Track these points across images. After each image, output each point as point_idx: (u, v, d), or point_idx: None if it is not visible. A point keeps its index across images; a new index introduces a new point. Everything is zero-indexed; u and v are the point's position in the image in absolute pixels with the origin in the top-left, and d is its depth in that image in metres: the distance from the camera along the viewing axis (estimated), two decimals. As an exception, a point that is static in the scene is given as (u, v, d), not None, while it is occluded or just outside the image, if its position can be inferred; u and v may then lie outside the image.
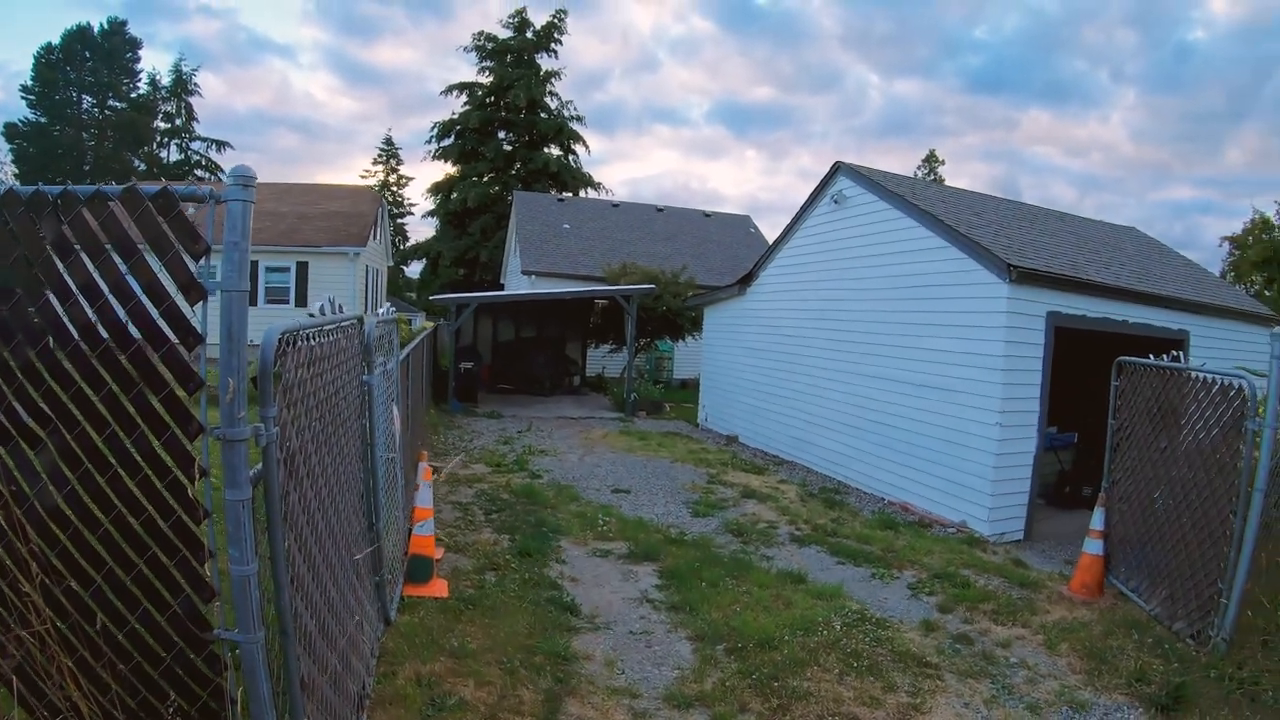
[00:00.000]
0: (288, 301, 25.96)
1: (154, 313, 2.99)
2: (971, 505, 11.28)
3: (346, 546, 4.73)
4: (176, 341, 2.98)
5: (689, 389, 26.34)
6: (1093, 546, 9.04)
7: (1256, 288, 29.08)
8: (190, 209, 3.01)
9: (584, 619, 7.18)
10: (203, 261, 2.99)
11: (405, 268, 66.64)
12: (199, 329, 2.99)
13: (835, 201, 14.48)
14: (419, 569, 7.30)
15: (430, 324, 24.08)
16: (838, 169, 14.64)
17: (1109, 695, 6.47)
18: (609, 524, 10.20)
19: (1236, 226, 47.76)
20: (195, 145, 68.14)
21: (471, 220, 51.33)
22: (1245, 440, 7.05)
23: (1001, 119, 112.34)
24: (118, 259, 3.04)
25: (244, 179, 2.96)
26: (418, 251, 60.29)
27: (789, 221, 16.30)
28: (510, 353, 25.57)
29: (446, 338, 22.21)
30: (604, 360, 28.25)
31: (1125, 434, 9.39)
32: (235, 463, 2.98)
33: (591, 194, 53.63)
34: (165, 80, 66.14)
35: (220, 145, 68.90)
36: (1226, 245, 38.83)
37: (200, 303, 2.98)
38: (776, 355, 16.45)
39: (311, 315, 4.02)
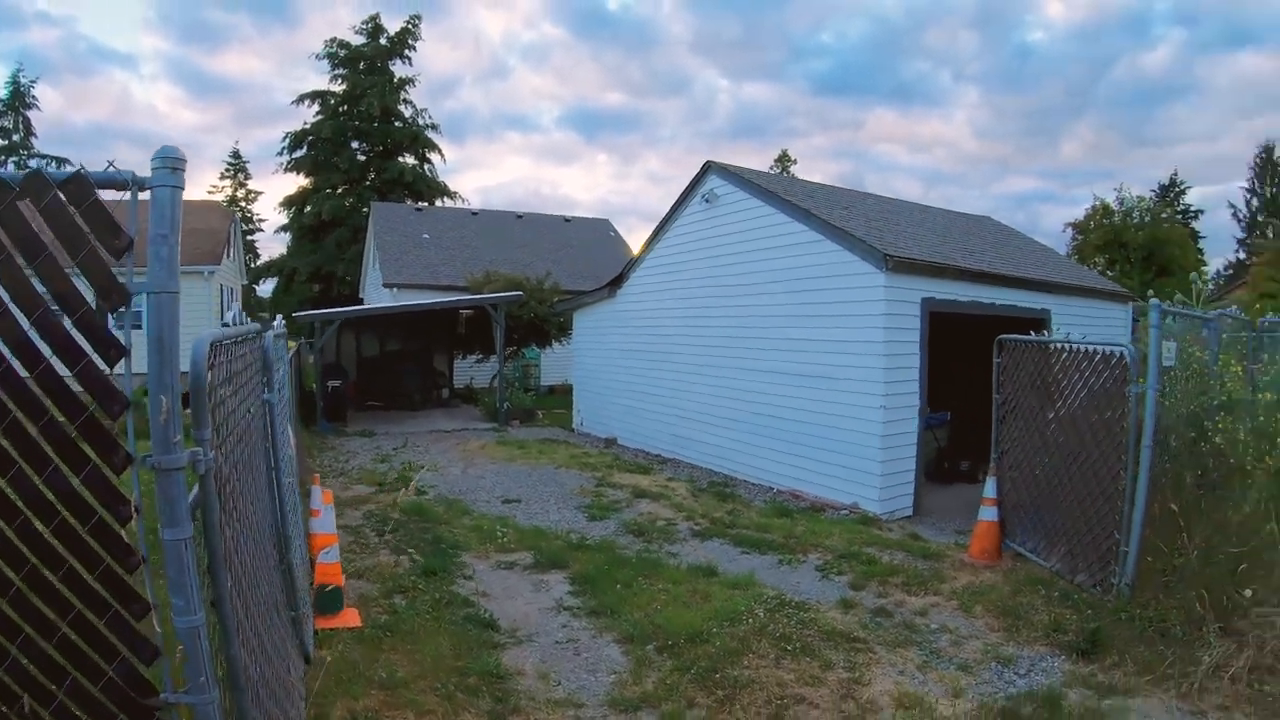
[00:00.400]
0: (139, 326, 24.22)
1: (67, 322, 2.47)
2: (862, 487, 11.35)
3: (269, 582, 4.20)
4: (95, 356, 2.46)
5: (558, 395, 25.92)
6: (988, 513, 9.24)
7: (1099, 268, 30.56)
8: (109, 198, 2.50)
9: (505, 634, 6.76)
10: (124, 261, 2.49)
11: (258, 286, 63.52)
12: (122, 340, 2.48)
13: (707, 201, 14.34)
14: (329, 599, 6.68)
15: (293, 344, 22.90)
16: (708, 169, 14.51)
17: (1031, 647, 6.69)
18: (507, 535, 9.74)
19: (1076, 213, 50.30)
20: (33, 163, 63.38)
21: (326, 234, 48.73)
22: (1129, 403, 7.40)
23: (849, 119, 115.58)
24: (19, 258, 2.49)
25: (172, 161, 2.47)
26: (271, 269, 56.81)
27: (659, 222, 16.10)
28: (377, 368, 24.46)
29: (310, 357, 21.12)
30: (471, 371, 27.43)
31: (1010, 407, 9.58)
32: (173, 495, 2.47)
33: (448, 203, 51.80)
34: (1, 93, 61.23)
35: (60, 162, 64.29)
36: (1070, 231, 40.91)
37: (122, 309, 2.48)
38: (652, 355, 16.23)
39: (225, 325, 3.50)
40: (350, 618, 6.70)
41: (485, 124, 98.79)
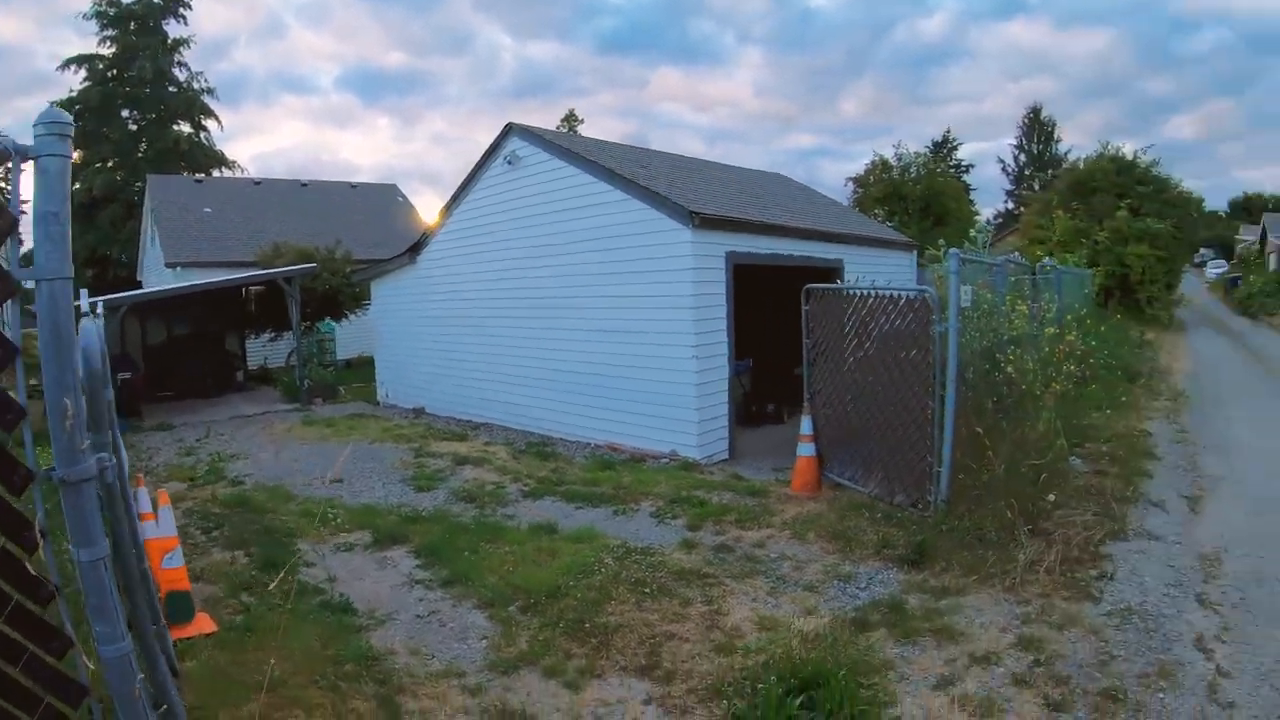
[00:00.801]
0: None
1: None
2: (679, 435, 11.58)
3: (146, 599, 3.83)
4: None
5: (356, 369, 24.89)
6: (806, 449, 9.66)
7: (880, 219, 32.03)
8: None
9: (364, 616, 6.43)
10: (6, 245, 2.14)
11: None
12: (11, 337, 2.13)
13: (509, 163, 14.02)
14: (180, 607, 6.12)
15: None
16: (509, 130, 14.17)
17: (866, 564, 7.16)
18: (339, 516, 9.24)
19: (856, 168, 52.58)
20: None
21: (98, 212, 43.54)
22: (933, 341, 8.00)
23: (634, 78, 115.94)
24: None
25: (60, 127, 2.12)
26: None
27: (459, 186, 15.60)
28: (166, 356, 22.38)
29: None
30: (265, 350, 25.68)
31: (820, 350, 9.99)
32: (85, 510, 2.16)
33: (227, 173, 47.70)
34: None
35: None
36: (851, 185, 42.25)
37: (9, 300, 2.13)
38: (460, 320, 15.82)
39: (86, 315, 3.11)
40: (204, 623, 6.20)
41: (261, 87, 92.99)
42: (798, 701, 4.59)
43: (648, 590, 6.57)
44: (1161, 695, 4.96)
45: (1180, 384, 18.23)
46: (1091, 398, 13.14)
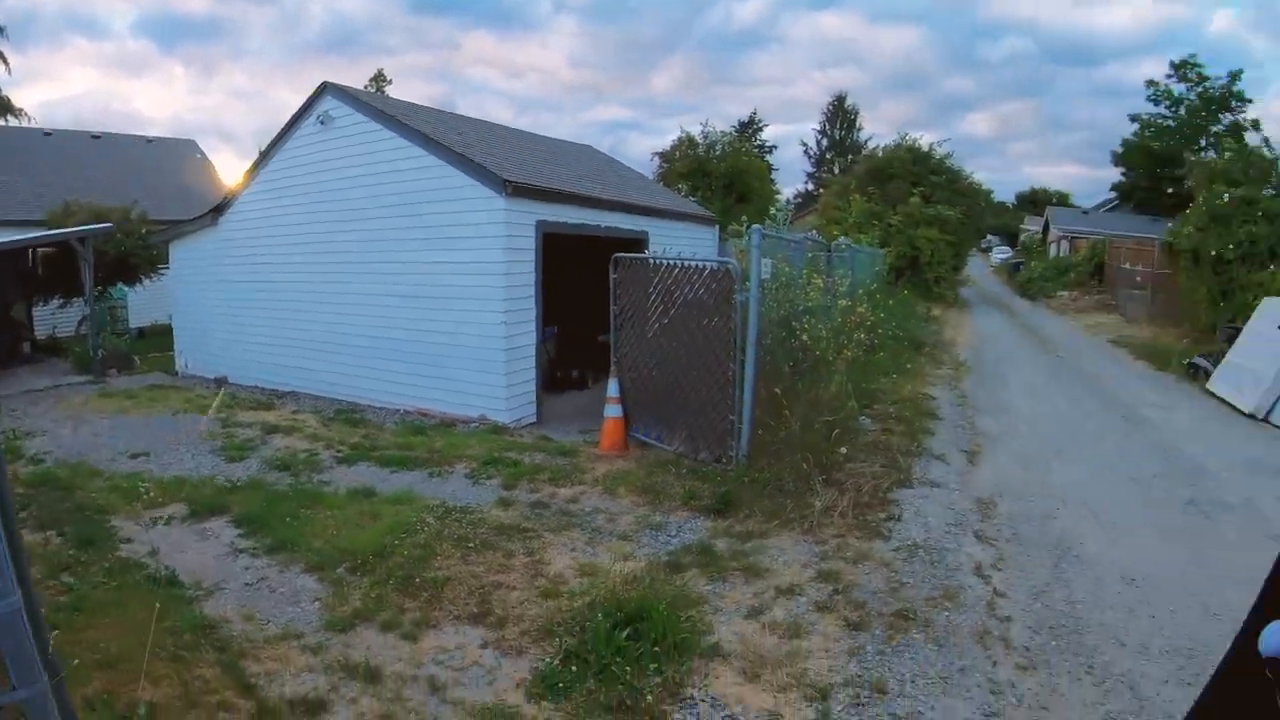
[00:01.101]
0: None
1: None
2: (489, 399, 11.97)
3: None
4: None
5: (150, 337, 23.50)
6: (613, 410, 10.32)
7: (684, 194, 32.82)
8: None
9: (192, 588, 6.45)
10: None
11: None
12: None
13: (322, 123, 13.79)
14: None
15: None
16: (324, 89, 13.93)
17: (675, 514, 7.87)
18: (150, 490, 9.00)
19: (662, 143, 53.40)
20: None
21: None
22: (735, 309, 8.76)
23: (446, 40, 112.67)
24: None
25: None
26: None
27: (267, 144, 15.17)
28: None
29: None
30: (54, 319, 23.78)
31: (627, 316, 10.60)
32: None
33: (12, 122, 43.92)
34: None
35: None
36: (657, 159, 42.91)
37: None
38: (266, 286, 15.42)
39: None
40: (28, 609, 6.07)
41: (50, 27, 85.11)
42: (624, 634, 5.12)
43: (471, 545, 6.96)
44: (947, 613, 5.95)
45: (962, 355, 20.15)
46: (880, 364, 14.49)
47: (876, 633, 5.60)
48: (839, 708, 4.74)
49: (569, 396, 14.08)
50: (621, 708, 4.58)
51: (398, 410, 12.94)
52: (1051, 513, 8.37)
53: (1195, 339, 21.15)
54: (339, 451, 10.51)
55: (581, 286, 14.18)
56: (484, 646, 5.37)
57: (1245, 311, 17.08)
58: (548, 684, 4.83)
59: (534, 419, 12.22)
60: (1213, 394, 15.20)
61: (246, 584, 6.54)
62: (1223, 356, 16.00)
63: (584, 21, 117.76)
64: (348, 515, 7.89)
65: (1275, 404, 12.86)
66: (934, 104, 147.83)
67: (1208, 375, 16.20)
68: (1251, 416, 13.12)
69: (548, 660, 5.10)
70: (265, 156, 15.25)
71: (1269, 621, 2.65)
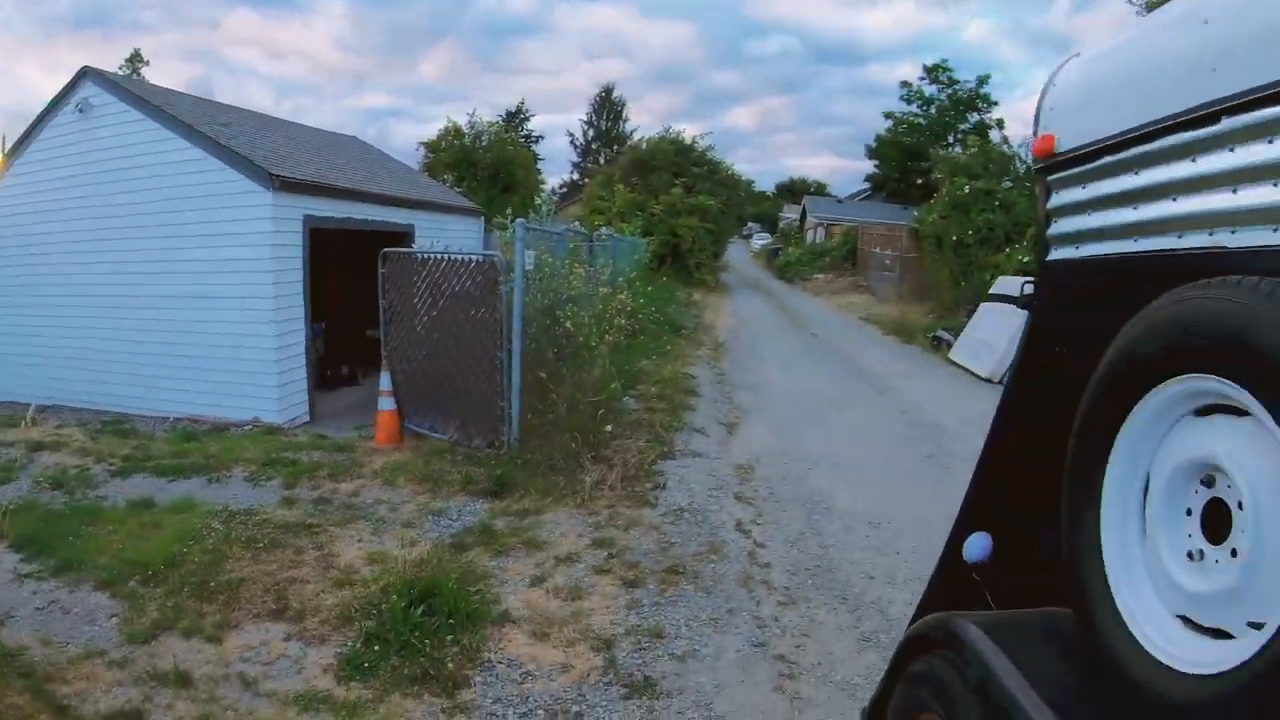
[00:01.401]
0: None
1: None
2: (260, 401, 11.92)
3: None
4: None
5: None
6: (386, 404, 10.67)
7: (449, 184, 32.67)
8: None
9: (-21, 621, 6.40)
10: None
11: None
12: None
13: (81, 111, 12.92)
14: None
15: None
16: (84, 74, 13.07)
17: (455, 499, 8.40)
18: (-93, 520, 8.71)
19: (428, 132, 52.50)
20: None
21: None
22: (500, 299, 9.35)
23: (205, 17, 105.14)
24: None
25: None
26: None
27: (20, 135, 13.97)
28: None
29: None
30: None
31: (396, 310, 10.95)
32: None
33: None
34: None
35: None
36: (422, 149, 42.37)
37: None
38: (16, 291, 14.28)
39: None
40: None
41: None
42: (419, 611, 5.62)
43: (261, 545, 7.18)
44: (713, 565, 6.93)
45: (721, 336, 21.62)
46: (641, 348, 15.54)
47: (651, 588, 6.42)
48: (623, 654, 5.48)
49: (341, 393, 14.23)
50: (426, 677, 5.08)
51: (168, 418, 12.57)
52: (804, 473, 9.59)
53: (939, 315, 23.65)
54: (112, 465, 10.23)
55: (347, 281, 14.33)
56: (287, 639, 5.68)
57: (983, 289, 19.31)
58: (354, 666, 5.23)
59: (308, 418, 12.27)
60: (954, 363, 17.26)
61: (38, 608, 6.44)
62: (963, 329, 18.10)
63: (352, 3, 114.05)
64: (130, 528, 7.83)
65: (1008, 369, 14.79)
66: (700, 97, 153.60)
67: (950, 346, 18.31)
68: (988, 381, 15.13)
69: (350, 644, 5.49)
70: (18, 147, 14.04)
71: (969, 534, 3.59)
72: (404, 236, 14.81)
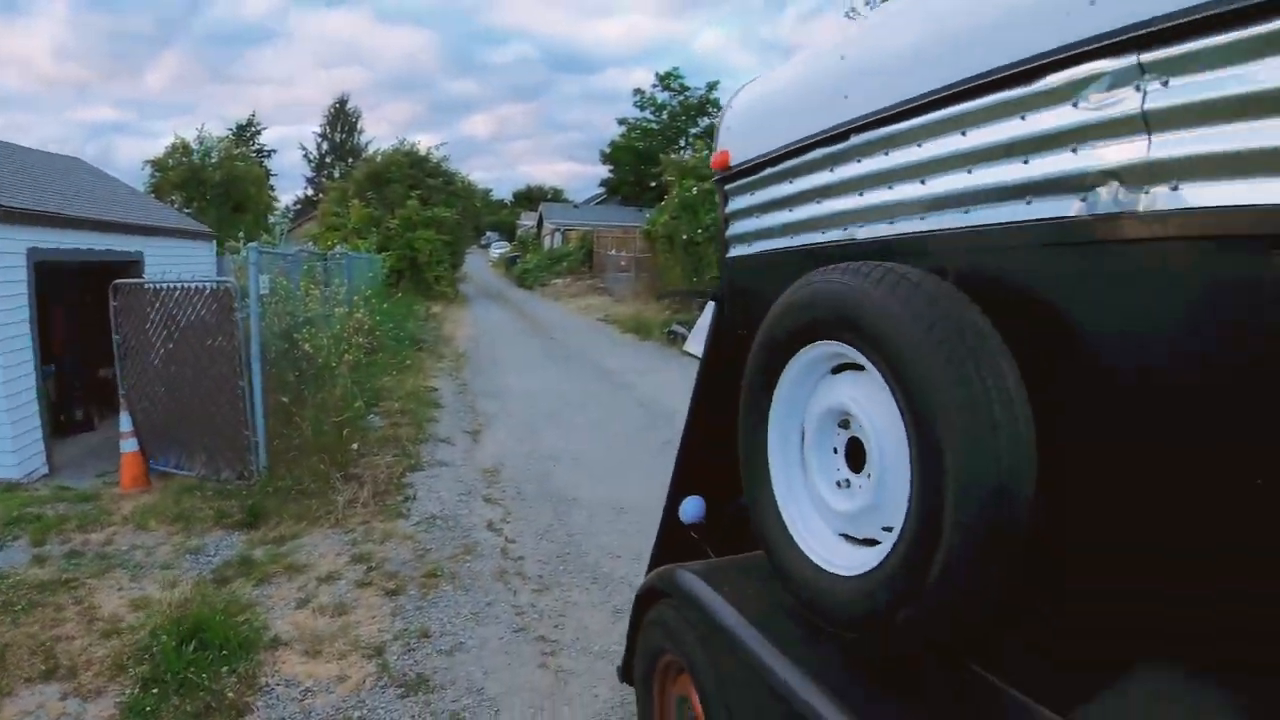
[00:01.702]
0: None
1: None
2: (-6, 456, 11.31)
3: None
4: None
5: None
6: (129, 445, 10.40)
7: (178, 205, 31.04)
8: None
9: None
10: None
11: None
12: None
13: None
14: None
15: None
16: None
17: (210, 535, 8.46)
18: None
19: (154, 148, 49.15)
20: None
21: None
22: (237, 326, 9.50)
23: None
24: None
25: None
26: None
27: None
28: None
29: None
30: None
31: (131, 344, 10.71)
32: None
33: None
34: None
35: None
36: (149, 168, 39.48)
37: None
38: None
39: None
40: None
41: None
42: (190, 647, 5.82)
43: (19, 608, 6.94)
44: (469, 564, 7.56)
45: (462, 347, 22.18)
46: (381, 365, 15.88)
47: (412, 593, 6.96)
48: (394, 658, 5.96)
49: (79, 439, 13.57)
50: (209, 711, 5.29)
51: (-115, 486, 11.73)
52: (549, 471, 10.37)
53: (675, 310, 24.96)
54: None
55: (73, 317, 13.76)
56: (64, 698, 5.63)
57: (715, 283, 20.61)
58: (136, 712, 5.31)
59: (46, 470, 11.53)
60: (689, 354, 18.35)
61: None
62: (695, 323, 19.33)
63: (74, 6, 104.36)
64: None
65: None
66: (438, 105, 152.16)
67: (684, 339, 19.47)
68: (722, 369, 16.32)
69: (129, 692, 5.56)
70: None
71: (683, 499, 4.37)
72: (134, 265, 14.23)
